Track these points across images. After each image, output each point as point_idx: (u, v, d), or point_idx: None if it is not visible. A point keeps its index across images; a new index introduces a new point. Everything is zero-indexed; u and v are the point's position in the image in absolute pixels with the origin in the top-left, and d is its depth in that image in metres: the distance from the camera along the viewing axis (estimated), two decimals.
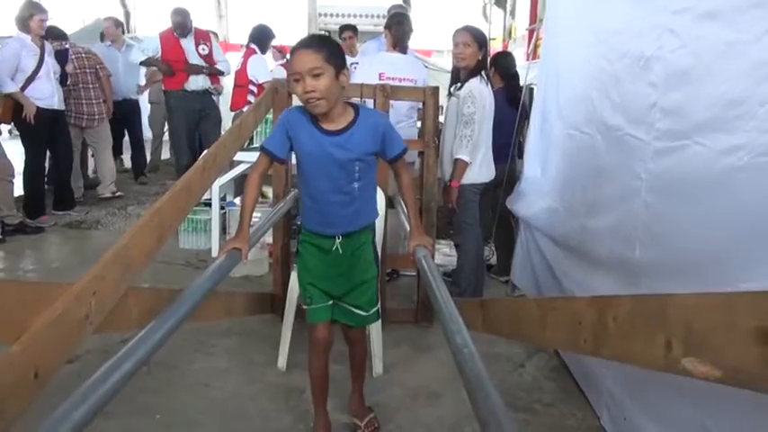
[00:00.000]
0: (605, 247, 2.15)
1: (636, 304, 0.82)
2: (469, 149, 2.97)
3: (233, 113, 5.39)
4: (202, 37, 5.34)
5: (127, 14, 12.68)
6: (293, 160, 1.87)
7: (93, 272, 1.16)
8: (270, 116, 2.96)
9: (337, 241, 1.86)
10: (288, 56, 5.66)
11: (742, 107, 1.39)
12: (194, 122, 5.29)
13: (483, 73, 3.02)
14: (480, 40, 3.07)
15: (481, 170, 3.10)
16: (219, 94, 5.62)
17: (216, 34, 7.24)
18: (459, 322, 1.14)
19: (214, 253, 4.07)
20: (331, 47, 1.69)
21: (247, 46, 5.42)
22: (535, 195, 3.10)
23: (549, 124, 3.11)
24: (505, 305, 1.79)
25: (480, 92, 2.97)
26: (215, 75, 5.37)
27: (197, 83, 5.22)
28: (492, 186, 3.34)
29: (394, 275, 3.71)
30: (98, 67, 5.40)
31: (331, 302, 1.94)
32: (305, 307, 1.94)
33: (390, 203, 2.84)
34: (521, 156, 3.57)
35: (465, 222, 3.20)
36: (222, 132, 5.62)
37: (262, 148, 1.81)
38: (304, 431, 2.04)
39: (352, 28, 5.62)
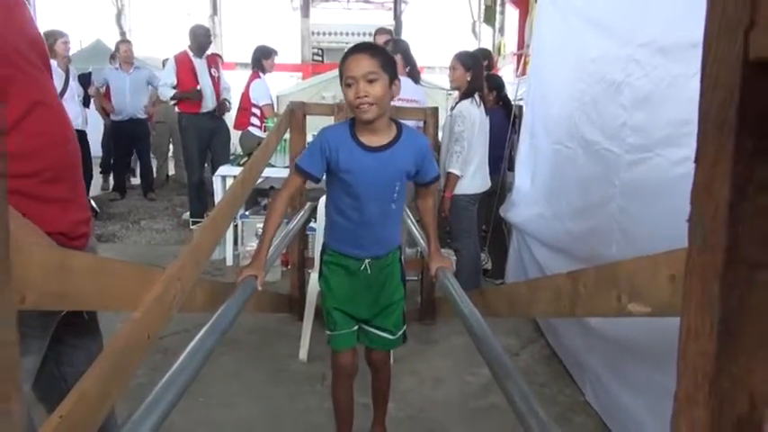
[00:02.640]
0: (587, 247, 2.47)
1: (597, 272, 1.14)
2: (460, 164, 3.29)
3: (239, 132, 5.68)
4: (214, 61, 5.54)
5: (123, 35, 12.91)
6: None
7: (177, 262, 1.45)
8: (287, 135, 3.27)
9: (366, 261, 1.80)
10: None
11: (689, 127, 1.73)
12: (205, 141, 5.50)
13: (477, 94, 3.35)
14: (465, 63, 3.38)
15: (474, 181, 3.41)
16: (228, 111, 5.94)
17: (221, 57, 7.56)
18: (485, 329, 1.30)
19: (228, 262, 4.37)
20: (386, 55, 1.68)
21: (252, 69, 5.72)
22: (525, 204, 3.43)
23: (537, 139, 3.44)
24: (501, 291, 2.11)
25: (469, 111, 3.30)
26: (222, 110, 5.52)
27: (207, 105, 5.44)
28: (487, 196, 3.66)
29: None
30: None
31: (356, 327, 1.89)
32: (328, 332, 1.90)
33: None
34: (512, 168, 3.90)
35: (463, 230, 3.50)
36: (231, 149, 5.95)
37: (297, 168, 1.76)
38: (329, 410, 2.32)
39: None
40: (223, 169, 4.54)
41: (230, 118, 5.99)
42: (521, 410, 0.99)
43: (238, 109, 5.68)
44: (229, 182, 4.13)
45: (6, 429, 0.34)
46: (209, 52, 5.50)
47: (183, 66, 5.34)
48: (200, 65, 5.36)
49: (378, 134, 1.69)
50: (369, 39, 9.91)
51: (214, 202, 4.56)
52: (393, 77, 1.65)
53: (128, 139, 6.53)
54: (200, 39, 5.34)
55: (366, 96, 1.59)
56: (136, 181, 7.22)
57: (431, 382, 2.61)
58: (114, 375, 1.12)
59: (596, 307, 1.15)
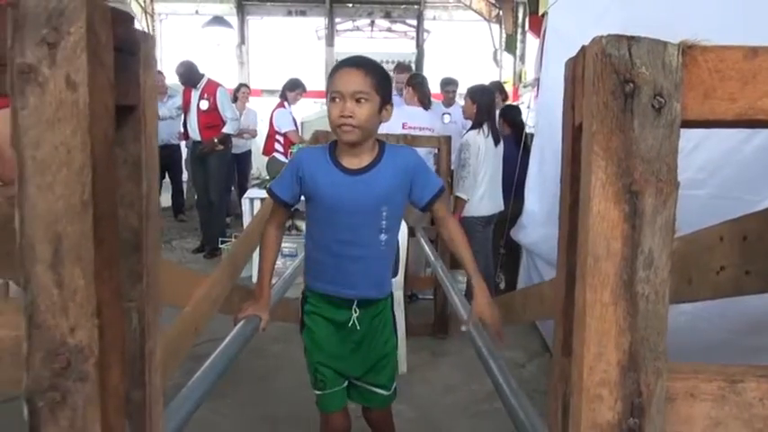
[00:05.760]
0: None
1: None
2: (465, 188, 3.53)
3: (266, 158, 5.97)
4: (207, 90, 5.40)
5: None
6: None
7: (218, 270, 1.72)
8: None
9: (354, 315, 1.59)
10: None
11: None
12: (201, 168, 5.56)
13: (485, 125, 3.59)
14: (472, 96, 3.67)
15: (482, 204, 3.65)
16: (253, 137, 6.23)
17: (247, 86, 7.91)
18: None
19: (254, 279, 4.63)
20: (382, 74, 1.50)
21: (279, 98, 6.05)
22: (534, 226, 3.64)
23: (545, 165, 3.66)
24: (499, 301, 2.31)
25: (474, 140, 3.56)
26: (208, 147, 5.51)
27: (192, 135, 5.54)
28: (503, 219, 3.87)
29: (414, 298, 4.21)
30: None
31: (345, 384, 1.69)
32: (316, 392, 1.69)
33: (411, 232, 3.38)
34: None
35: (473, 250, 3.70)
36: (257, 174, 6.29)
37: (269, 191, 1.61)
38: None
39: (455, 82, 5.66)
40: (251, 192, 4.92)
41: (258, 144, 6.35)
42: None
43: (266, 136, 6.02)
44: (256, 203, 4.56)
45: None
46: (208, 81, 5.51)
47: (184, 99, 5.66)
48: (193, 96, 5.45)
49: (360, 156, 1.52)
50: (392, 66, 10.15)
51: (242, 224, 4.92)
52: (386, 101, 1.50)
53: (162, 163, 6.89)
54: (179, 76, 5.49)
55: (350, 117, 1.42)
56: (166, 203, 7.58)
57: (441, 389, 2.81)
58: (169, 358, 1.37)
59: None
